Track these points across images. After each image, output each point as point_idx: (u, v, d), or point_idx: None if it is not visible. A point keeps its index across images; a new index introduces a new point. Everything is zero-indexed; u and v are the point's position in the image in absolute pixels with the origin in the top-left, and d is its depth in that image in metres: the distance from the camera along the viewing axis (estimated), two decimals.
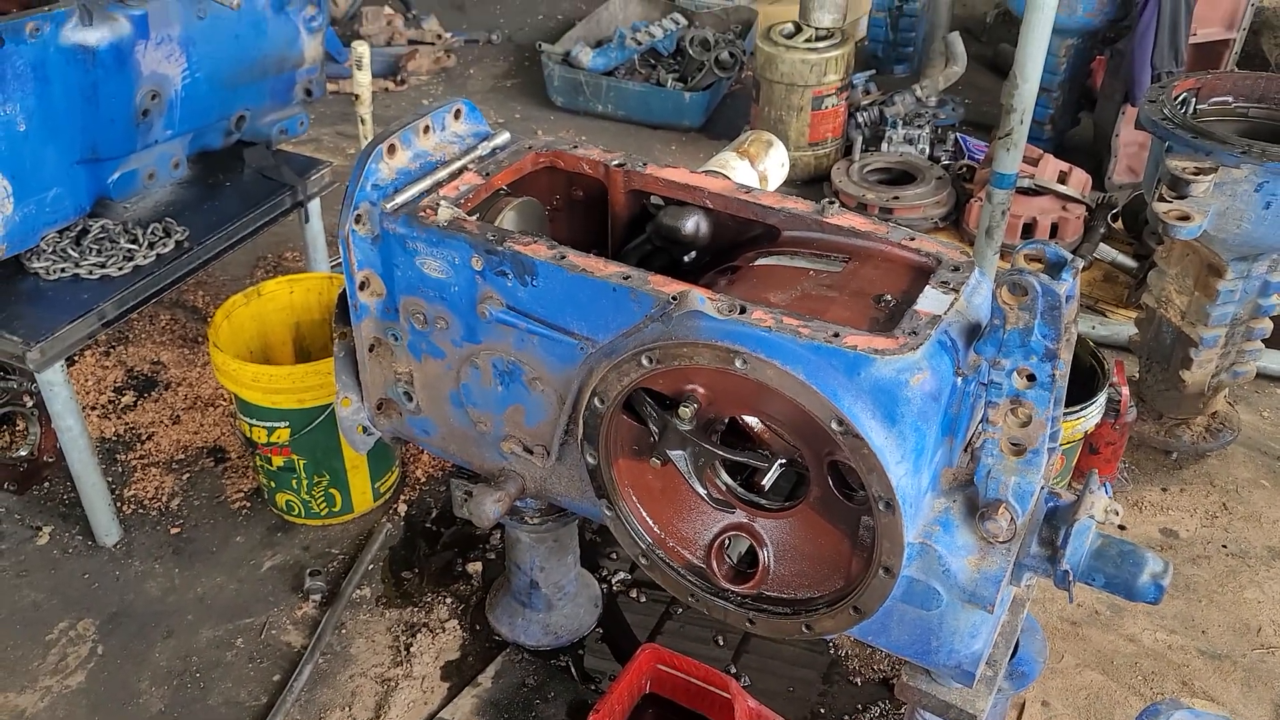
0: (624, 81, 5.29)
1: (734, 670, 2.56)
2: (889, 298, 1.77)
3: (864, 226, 1.93)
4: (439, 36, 6.05)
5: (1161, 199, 2.64)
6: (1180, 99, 2.88)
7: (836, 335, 1.62)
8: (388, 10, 6.08)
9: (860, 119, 4.84)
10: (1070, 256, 1.57)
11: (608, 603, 2.73)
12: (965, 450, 1.80)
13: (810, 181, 4.82)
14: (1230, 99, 2.98)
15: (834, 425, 1.59)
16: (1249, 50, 5.15)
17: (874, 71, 5.43)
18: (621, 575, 2.81)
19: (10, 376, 2.98)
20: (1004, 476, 1.68)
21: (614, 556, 2.87)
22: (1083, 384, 2.80)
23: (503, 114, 5.42)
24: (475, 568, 2.84)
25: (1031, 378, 1.60)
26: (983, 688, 1.86)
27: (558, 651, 2.60)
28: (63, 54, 2.45)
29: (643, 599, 2.76)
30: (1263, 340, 3.10)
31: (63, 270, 2.67)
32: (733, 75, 5.32)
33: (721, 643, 2.64)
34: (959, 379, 1.66)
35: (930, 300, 1.70)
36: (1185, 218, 2.58)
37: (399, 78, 5.72)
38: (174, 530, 2.93)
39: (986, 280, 1.78)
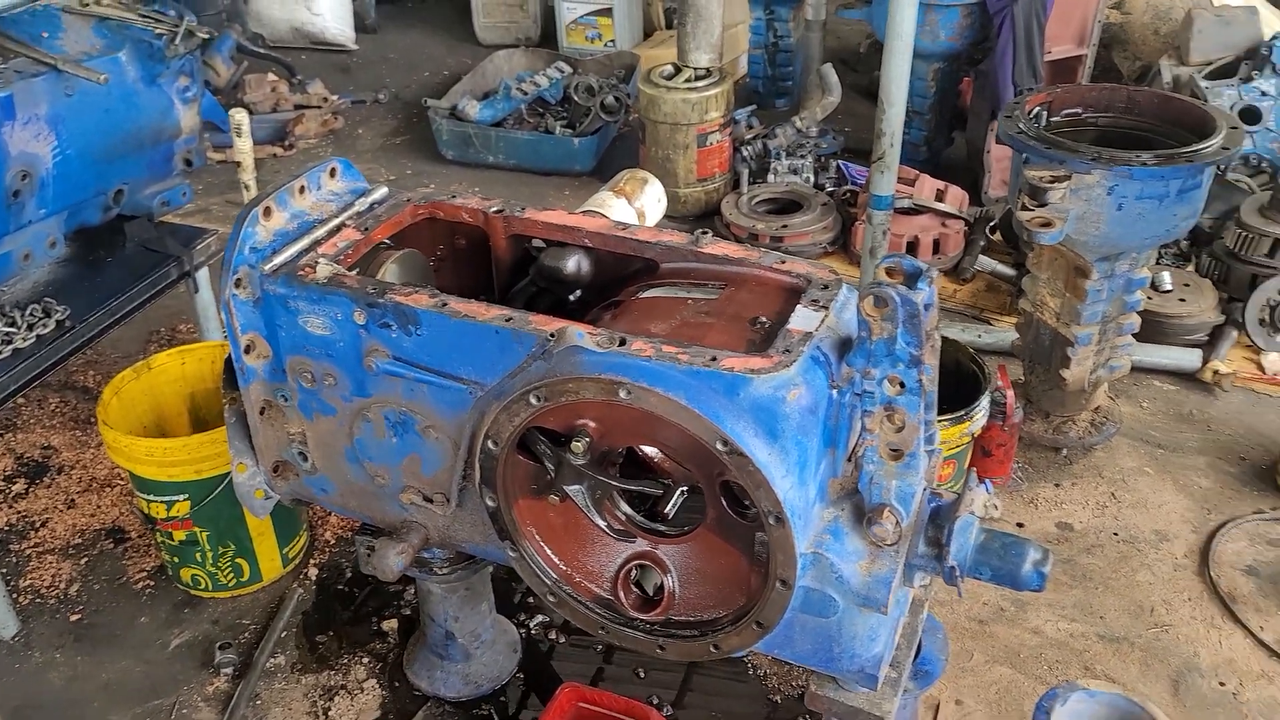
0: (513, 131, 5.35)
1: (656, 701, 2.57)
2: (764, 319, 1.83)
3: (737, 253, 2.00)
4: (325, 99, 6.05)
5: (1024, 208, 2.78)
6: (1034, 113, 3.04)
7: (714, 359, 1.67)
8: (271, 77, 6.07)
9: (745, 153, 4.98)
10: (926, 267, 1.66)
11: (528, 646, 2.73)
12: (849, 460, 1.86)
13: (702, 216, 4.92)
14: (1080, 110, 3.15)
15: (719, 446, 1.64)
16: (1104, 65, 5.45)
17: (755, 106, 5.59)
18: (540, 618, 2.82)
19: None
20: (886, 481, 1.75)
21: (532, 600, 2.87)
22: (967, 390, 2.91)
23: (394, 171, 5.43)
24: (391, 625, 2.81)
25: (901, 384, 1.67)
26: (888, 689, 1.91)
27: (479, 701, 2.59)
28: None
29: (563, 640, 2.77)
30: (1133, 335, 3.26)
31: None
32: (619, 119, 5.43)
33: (642, 675, 2.65)
34: (834, 391, 1.73)
35: (802, 319, 1.77)
36: (1047, 224, 2.72)
37: (287, 142, 5.70)
38: (74, 617, 2.84)
39: (855, 296, 1.86)
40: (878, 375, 1.67)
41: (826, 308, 1.80)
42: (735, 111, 5.01)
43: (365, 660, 2.70)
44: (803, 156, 4.96)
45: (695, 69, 4.74)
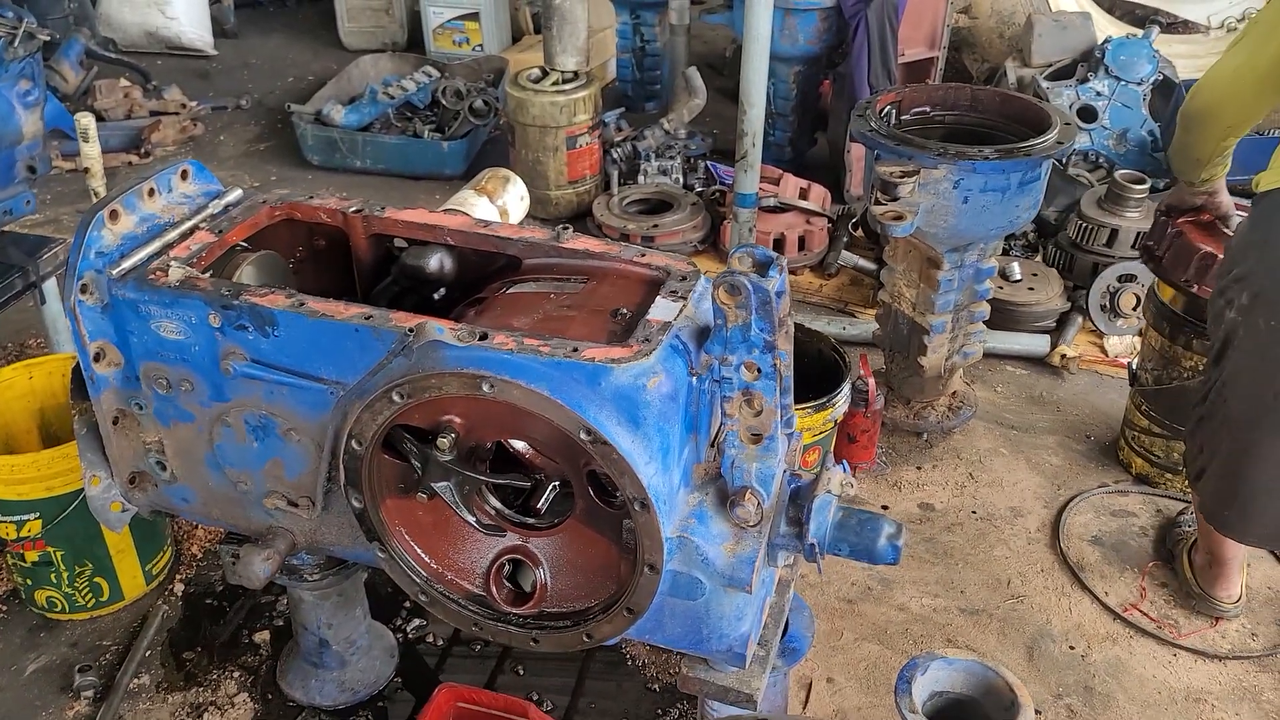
0: (380, 136, 5.28)
1: (535, 697, 2.58)
2: (625, 311, 1.87)
3: (598, 248, 2.03)
4: (183, 106, 5.87)
5: (877, 202, 2.90)
6: (884, 111, 3.17)
7: (575, 350, 1.70)
8: (124, 83, 5.85)
9: (615, 155, 5.03)
10: (776, 256, 1.72)
11: (405, 650, 2.70)
12: (711, 445, 1.91)
13: (575, 217, 4.95)
14: (929, 108, 3.30)
15: (583, 435, 1.67)
16: (955, 67, 5.70)
17: (625, 109, 5.65)
18: (418, 622, 2.79)
19: None
20: (747, 464, 1.80)
21: (409, 605, 2.84)
22: (831, 378, 3.01)
23: (258, 177, 5.30)
24: (263, 637, 2.75)
25: (757, 370, 1.73)
26: (756, 667, 1.97)
27: (357, 708, 2.55)
28: None
29: (441, 642, 2.75)
30: (984, 322, 3.43)
31: None
32: (489, 122, 5.42)
33: (522, 672, 2.66)
34: (694, 378, 1.78)
35: (661, 309, 1.82)
36: (899, 217, 2.84)
37: (143, 150, 5.50)
38: None
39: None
40: (735, 361, 1.72)
41: (685, 298, 1.85)
42: (604, 114, 5.06)
43: (236, 674, 2.63)
44: (672, 158, 5.04)
45: (562, 72, 4.77)
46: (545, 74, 4.81)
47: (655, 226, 4.54)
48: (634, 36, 5.85)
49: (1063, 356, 3.87)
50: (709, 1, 5.61)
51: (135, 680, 2.60)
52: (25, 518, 2.58)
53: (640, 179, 4.97)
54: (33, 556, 2.65)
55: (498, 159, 5.39)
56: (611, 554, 1.86)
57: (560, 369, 1.68)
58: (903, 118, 3.25)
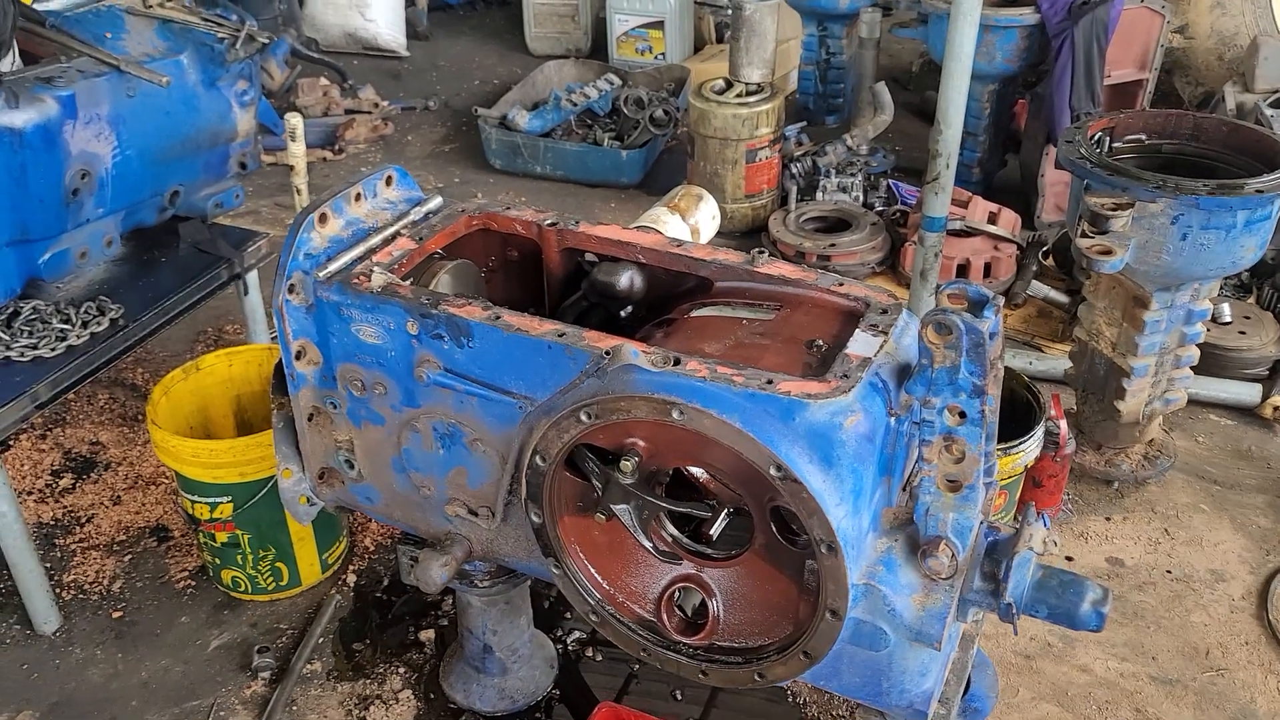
0: (561, 142, 5.35)
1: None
2: (820, 343, 1.80)
3: (793, 274, 1.96)
4: (376, 105, 6.09)
5: (1084, 235, 2.72)
6: (1095, 138, 2.98)
7: (770, 382, 1.64)
8: (324, 81, 6.12)
9: (794, 170, 4.94)
10: (991, 295, 1.62)
11: (564, 663, 2.70)
12: (904, 489, 1.82)
13: (749, 233, 4.89)
14: (1144, 136, 3.09)
15: (772, 471, 1.61)
16: (1164, 90, 5.35)
17: (805, 123, 5.55)
18: (577, 634, 2.79)
19: None
20: (942, 513, 1.71)
21: (569, 616, 2.84)
22: (1020, 418, 2.85)
23: (442, 178, 5.45)
24: (428, 635, 2.80)
25: (962, 414, 1.63)
26: None
27: (514, 716, 2.56)
28: None
29: (599, 658, 2.74)
30: (1191, 367, 3.18)
31: None
32: (668, 132, 5.41)
33: (680, 697, 2.61)
34: (892, 419, 1.69)
35: (860, 343, 1.74)
36: (1107, 252, 2.66)
37: (337, 147, 5.74)
38: (116, 614, 2.85)
39: (915, 321, 1.82)
40: (938, 404, 1.63)
41: (886, 333, 1.77)
42: (785, 128, 4.97)
43: (401, 670, 2.69)
44: (852, 175, 4.91)
45: (747, 84, 4.71)
46: (729, 85, 4.77)
47: (832, 246, 4.43)
48: (819, 49, 5.73)
49: (1275, 408, 3.57)
50: (900, 15, 5.44)
51: (308, 666, 2.69)
52: (218, 500, 2.70)
53: (819, 195, 4.86)
54: (222, 537, 2.77)
55: (674, 169, 5.39)
56: (790, 593, 1.79)
57: (753, 401, 1.63)
58: (1115, 145, 3.05)
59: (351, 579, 2.98)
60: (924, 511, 1.72)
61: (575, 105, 5.49)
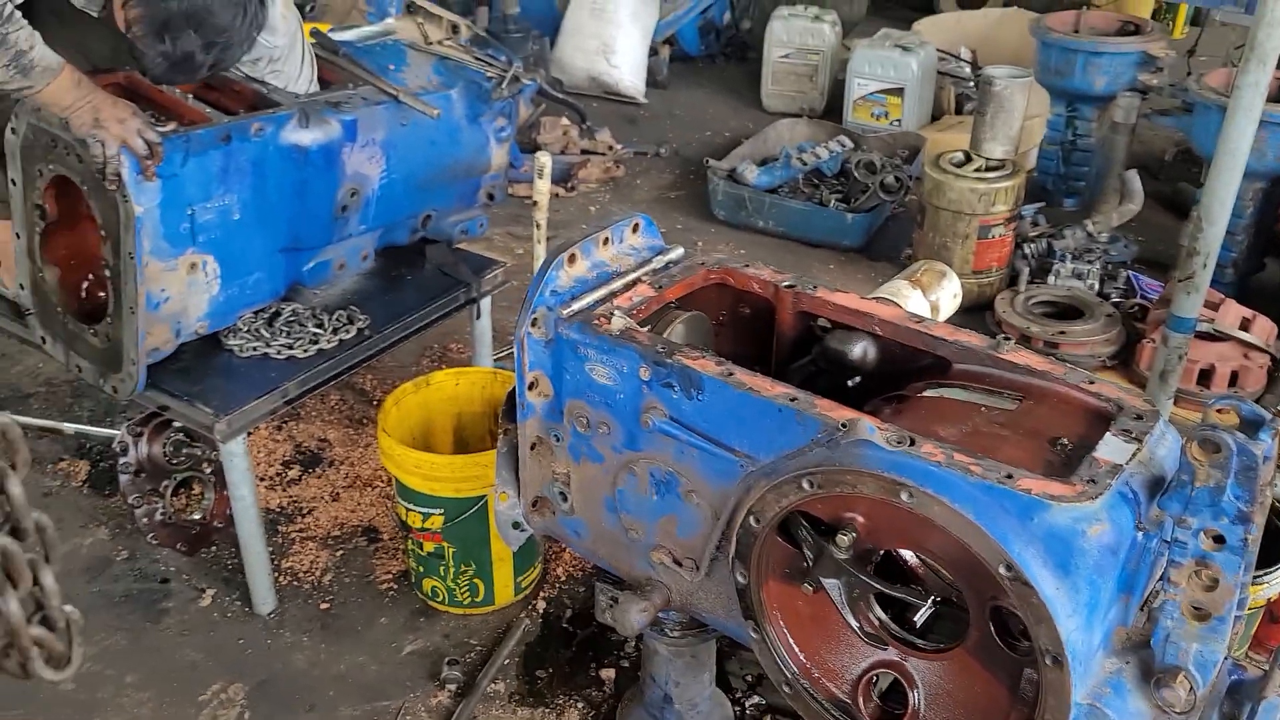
0: (787, 199, 5.36)
1: None
2: (1065, 442, 1.71)
3: (1040, 365, 1.88)
4: (610, 147, 6.29)
5: None
6: None
7: (1009, 476, 1.58)
8: (564, 121, 6.37)
9: (1028, 250, 4.76)
10: (1270, 417, 1.50)
11: None
12: (1141, 609, 1.70)
13: (972, 310, 4.72)
14: None
15: (1002, 570, 1.54)
16: None
17: (1043, 204, 5.34)
18: (757, 699, 2.74)
19: (195, 444, 3.18)
20: (1184, 642, 1.58)
21: (748, 679, 2.80)
22: (1267, 545, 2.61)
23: (665, 224, 5.55)
24: (608, 674, 2.82)
25: (1220, 540, 1.51)
26: None
27: None
28: (280, 152, 2.67)
29: None
30: None
31: (254, 349, 2.85)
32: (897, 199, 5.34)
33: None
34: (1139, 534, 1.59)
35: (1111, 448, 1.64)
36: None
37: (569, 184, 5.96)
38: (324, 605, 3.02)
39: (1172, 431, 1.71)
40: (1194, 525, 1.52)
41: (1140, 440, 1.66)
42: (1022, 207, 4.81)
43: (580, 705, 2.71)
44: (1090, 261, 4.69)
45: (988, 159, 4.59)
46: (968, 158, 4.66)
47: (1061, 333, 4.23)
48: (1066, 129, 5.53)
49: None
50: (1161, 102, 5.17)
51: (492, 685, 2.76)
52: (431, 511, 2.82)
53: (1051, 279, 4.66)
54: (429, 547, 2.89)
55: (897, 236, 5.31)
56: (1001, 699, 1.70)
57: (990, 494, 1.57)
58: None
59: (541, 605, 3.04)
60: (1163, 637, 1.60)
61: (805, 164, 5.49)
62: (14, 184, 2.67)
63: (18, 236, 2.73)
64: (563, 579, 3.15)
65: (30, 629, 0.83)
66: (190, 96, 2.71)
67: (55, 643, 0.85)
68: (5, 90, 2.37)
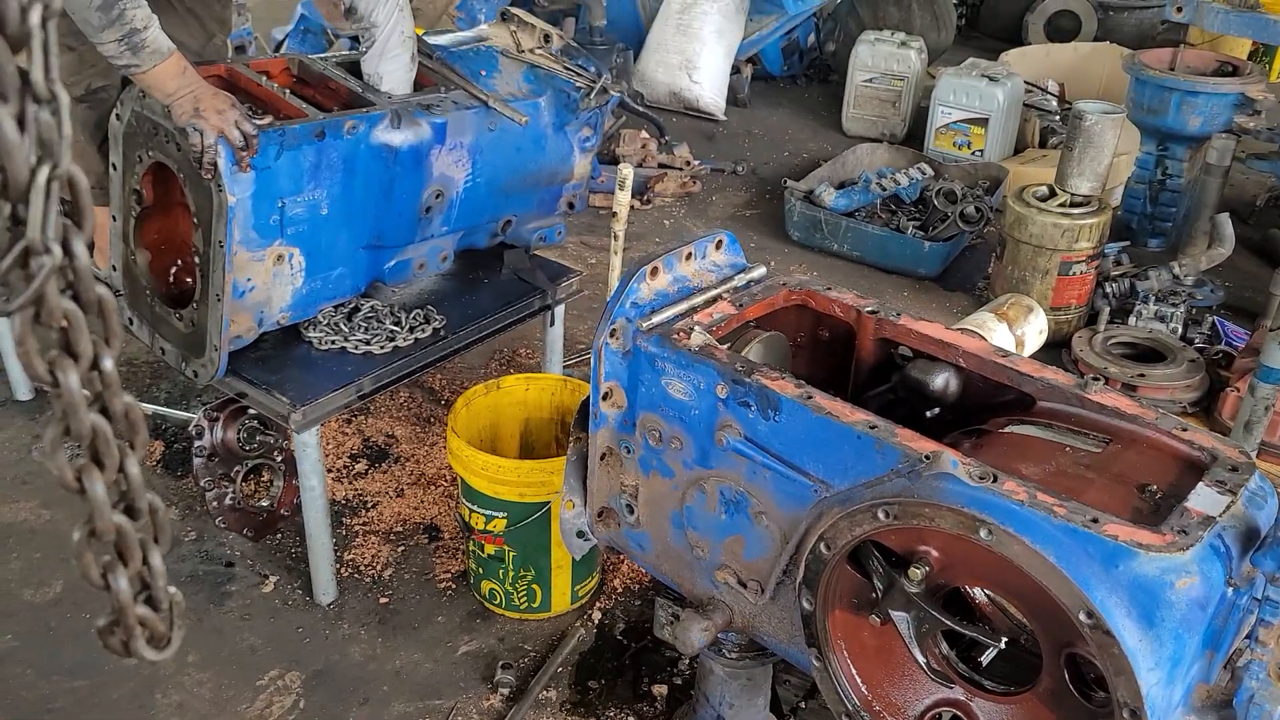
0: (863, 224, 5.31)
1: None
2: (1155, 489, 1.67)
3: (1130, 409, 1.83)
4: (687, 163, 6.30)
5: None
6: None
7: (1095, 520, 1.53)
8: (643, 134, 6.39)
9: (1109, 289, 4.66)
10: None
11: None
12: (1225, 667, 1.64)
13: (1049, 346, 4.62)
14: None
15: (1082, 617, 1.50)
16: None
17: (1127, 243, 5.23)
18: None
19: (268, 432, 3.23)
20: (1269, 705, 1.53)
21: (804, 705, 2.76)
22: None
23: (739, 242, 5.54)
24: (660, 690, 2.80)
25: None
26: None
27: None
28: (370, 151, 2.71)
29: None
30: None
31: (332, 343, 2.89)
32: (976, 230, 5.26)
33: None
34: (1230, 590, 1.54)
35: (1203, 499, 1.59)
36: None
37: (645, 197, 5.97)
38: (383, 600, 3.05)
39: (1270, 487, 1.65)
40: None
41: (1234, 493, 1.61)
42: (1106, 245, 4.71)
43: (630, 719, 2.70)
44: (1174, 304, 4.57)
45: (1073, 195, 4.51)
46: (1053, 193, 4.58)
47: (1141, 376, 4.12)
48: (1155, 168, 5.41)
49: None
50: (1257, 145, 5.04)
51: (544, 692, 2.76)
52: (494, 514, 2.83)
53: (1132, 320, 4.56)
54: (490, 549, 2.90)
55: (973, 267, 5.23)
56: None
57: (1073, 537, 1.53)
58: None
59: (596, 615, 3.03)
60: (1247, 698, 1.54)
61: (884, 190, 5.44)
62: (114, 168, 2.75)
63: (114, 219, 2.81)
64: (619, 591, 3.14)
65: (136, 608, 0.84)
66: (288, 91, 2.77)
67: (158, 623, 0.87)
68: (114, 65, 2.43)
